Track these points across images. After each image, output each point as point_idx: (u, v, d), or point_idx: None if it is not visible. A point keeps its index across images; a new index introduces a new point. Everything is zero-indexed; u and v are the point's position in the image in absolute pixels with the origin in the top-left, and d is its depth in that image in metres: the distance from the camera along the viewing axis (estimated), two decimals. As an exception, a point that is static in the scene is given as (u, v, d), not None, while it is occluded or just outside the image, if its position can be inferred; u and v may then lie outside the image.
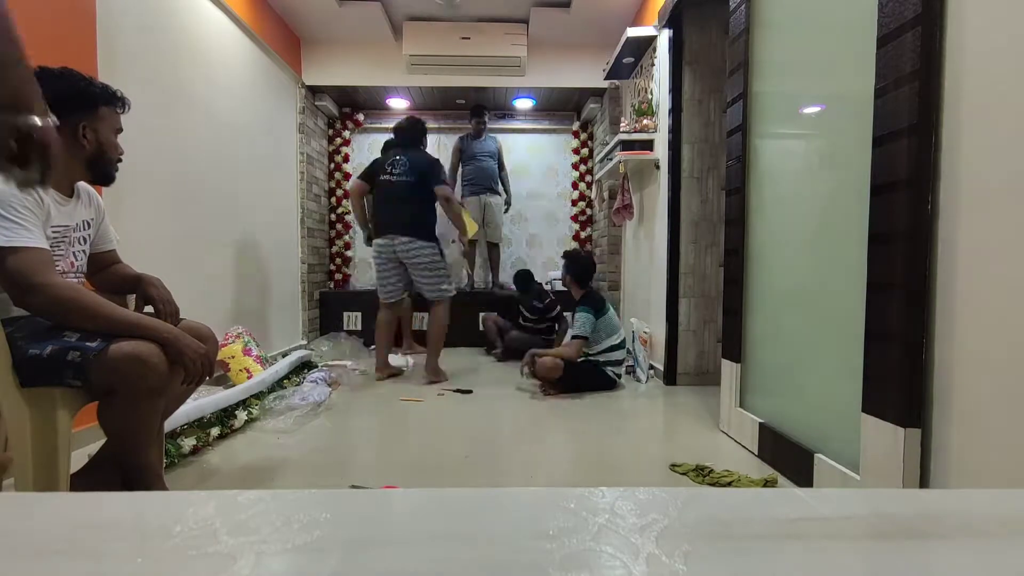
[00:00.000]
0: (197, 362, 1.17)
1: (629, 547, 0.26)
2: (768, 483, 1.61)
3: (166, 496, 0.32)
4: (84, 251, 1.31)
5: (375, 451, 1.93)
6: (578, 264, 2.90)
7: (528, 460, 1.84)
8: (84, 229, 1.30)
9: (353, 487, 1.59)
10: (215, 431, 1.90)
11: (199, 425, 1.86)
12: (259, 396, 2.32)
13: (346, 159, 4.75)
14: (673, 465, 1.71)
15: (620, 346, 2.83)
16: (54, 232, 1.17)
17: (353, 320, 4.27)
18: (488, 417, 2.34)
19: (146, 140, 2.21)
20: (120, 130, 1.32)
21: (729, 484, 1.58)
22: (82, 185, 1.29)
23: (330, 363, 3.27)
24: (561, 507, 0.31)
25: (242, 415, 2.09)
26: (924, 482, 1.17)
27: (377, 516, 0.30)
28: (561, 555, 0.25)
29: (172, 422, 1.74)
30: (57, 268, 1.17)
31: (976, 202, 1.07)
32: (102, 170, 1.27)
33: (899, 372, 1.20)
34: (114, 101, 1.27)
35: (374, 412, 2.43)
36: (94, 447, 1.52)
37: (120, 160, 1.32)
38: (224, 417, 1.99)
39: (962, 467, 1.10)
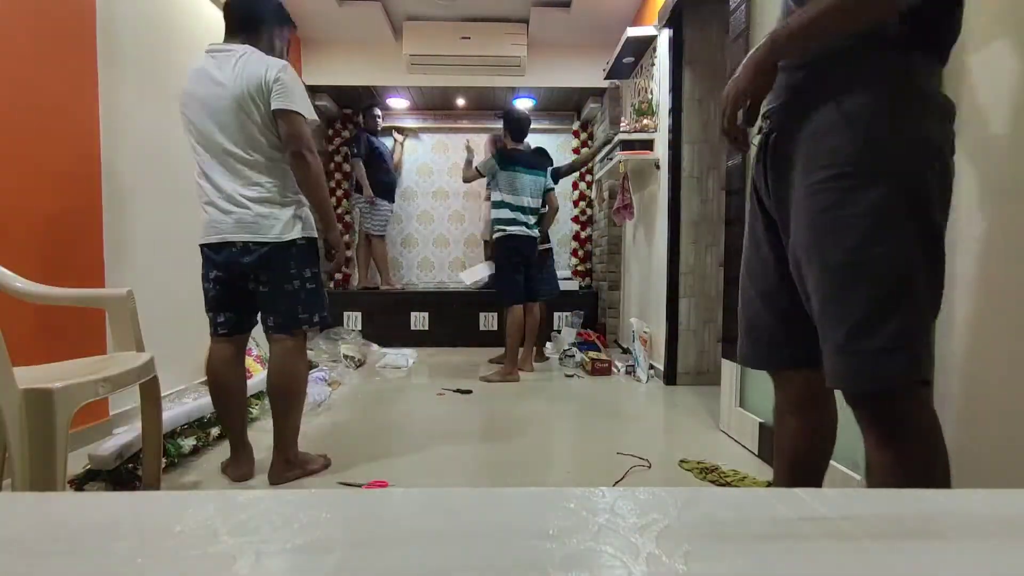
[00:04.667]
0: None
1: (629, 547, 0.26)
2: (771, 484, 1.61)
3: (166, 496, 0.32)
4: None
5: (375, 450, 1.93)
6: (511, 118, 3.13)
7: (528, 460, 1.84)
8: None
9: (341, 484, 1.59)
10: (215, 431, 1.90)
11: (199, 425, 1.86)
12: (259, 396, 2.31)
13: (346, 159, 4.75)
14: (682, 461, 1.75)
15: (519, 208, 3.01)
16: None
17: (353, 320, 4.27)
18: (489, 417, 2.35)
19: (144, 138, 2.21)
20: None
21: (728, 483, 1.58)
22: None
23: (336, 359, 3.27)
24: (561, 507, 0.31)
25: None
26: (924, 482, 1.17)
27: (377, 516, 0.30)
28: (561, 554, 0.25)
29: (172, 422, 1.73)
30: None
31: (974, 203, 1.07)
32: None
33: (899, 372, 1.20)
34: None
35: (374, 411, 2.43)
36: (92, 447, 1.53)
37: None
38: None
39: (962, 467, 1.10)
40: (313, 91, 4.17)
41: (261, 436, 2.03)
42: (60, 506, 0.31)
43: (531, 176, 3.09)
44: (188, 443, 1.74)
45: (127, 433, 1.60)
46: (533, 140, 4.89)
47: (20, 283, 1.39)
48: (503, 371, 3.00)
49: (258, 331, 1.67)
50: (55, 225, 1.78)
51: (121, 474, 1.51)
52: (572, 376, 3.17)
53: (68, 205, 1.83)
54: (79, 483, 1.48)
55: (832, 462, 1.43)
